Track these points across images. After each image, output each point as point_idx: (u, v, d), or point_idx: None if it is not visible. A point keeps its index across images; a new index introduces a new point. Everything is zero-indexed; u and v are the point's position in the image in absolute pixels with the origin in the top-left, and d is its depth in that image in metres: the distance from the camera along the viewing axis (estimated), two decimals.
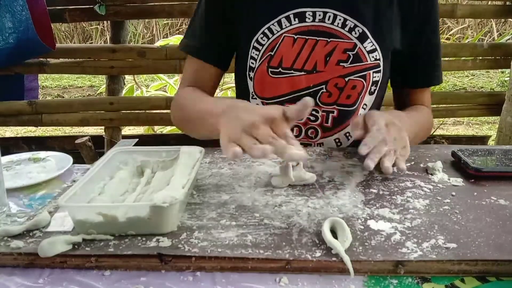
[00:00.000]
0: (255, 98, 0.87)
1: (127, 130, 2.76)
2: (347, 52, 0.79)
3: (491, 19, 4.60)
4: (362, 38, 0.79)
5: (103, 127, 1.96)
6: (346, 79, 0.81)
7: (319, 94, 0.82)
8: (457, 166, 0.69)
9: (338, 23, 0.79)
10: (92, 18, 1.84)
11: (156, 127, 2.41)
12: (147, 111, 1.92)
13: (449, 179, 0.64)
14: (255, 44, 0.82)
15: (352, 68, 0.80)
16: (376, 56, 0.80)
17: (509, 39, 3.36)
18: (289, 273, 0.44)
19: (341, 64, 0.80)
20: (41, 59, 1.83)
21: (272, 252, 0.45)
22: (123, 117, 1.91)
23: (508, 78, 1.86)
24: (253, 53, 0.83)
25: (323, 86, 0.81)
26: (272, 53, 0.81)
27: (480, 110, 1.92)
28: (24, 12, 1.56)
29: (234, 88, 1.01)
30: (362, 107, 0.85)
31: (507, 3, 1.82)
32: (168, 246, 0.46)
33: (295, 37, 0.80)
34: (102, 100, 1.98)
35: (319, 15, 0.79)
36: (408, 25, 0.83)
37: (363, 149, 0.62)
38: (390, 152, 0.64)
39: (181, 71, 1.88)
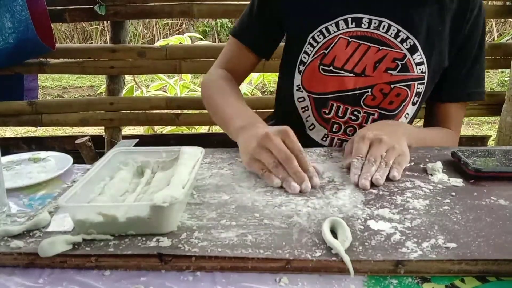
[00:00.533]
0: (301, 91, 0.89)
1: (127, 130, 2.76)
2: (396, 61, 0.82)
3: (491, 19, 4.60)
4: (412, 50, 0.82)
5: (103, 127, 1.96)
6: (392, 86, 0.83)
7: (364, 97, 0.85)
8: (457, 166, 0.69)
9: (391, 33, 0.82)
10: (92, 18, 1.84)
11: (156, 127, 2.41)
12: (147, 111, 1.92)
13: (449, 180, 0.64)
14: (311, 41, 0.85)
15: (399, 76, 0.83)
16: (422, 69, 0.83)
17: (509, 39, 3.36)
18: (289, 273, 0.44)
19: (389, 71, 0.83)
20: (41, 59, 1.83)
21: (272, 252, 0.45)
22: (123, 117, 1.91)
23: (508, 78, 1.86)
24: (308, 48, 0.86)
25: (369, 90, 0.84)
26: (326, 52, 0.84)
27: (480, 110, 1.92)
28: (23, 12, 1.56)
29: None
30: (405, 116, 0.88)
31: (507, 3, 1.82)
32: (168, 246, 0.46)
33: (350, 40, 0.83)
34: (102, 100, 1.97)
35: (375, 23, 0.82)
36: (455, 43, 0.85)
37: (352, 179, 0.62)
38: (381, 165, 0.64)
39: (181, 71, 1.88)
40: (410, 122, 0.92)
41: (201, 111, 1.89)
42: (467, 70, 0.88)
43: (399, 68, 0.83)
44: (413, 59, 0.82)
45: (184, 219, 0.52)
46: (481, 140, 2.03)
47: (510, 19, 4.56)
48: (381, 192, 0.60)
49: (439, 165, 0.67)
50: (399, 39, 0.82)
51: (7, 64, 1.75)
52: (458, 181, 0.63)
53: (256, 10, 0.92)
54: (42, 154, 0.80)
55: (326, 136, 0.91)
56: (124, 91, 2.05)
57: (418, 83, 0.84)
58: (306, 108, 0.90)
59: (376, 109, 0.86)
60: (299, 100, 0.90)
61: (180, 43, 2.46)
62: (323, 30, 0.84)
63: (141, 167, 0.65)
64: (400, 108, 0.86)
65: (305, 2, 0.86)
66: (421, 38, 0.82)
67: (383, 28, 0.82)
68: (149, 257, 0.45)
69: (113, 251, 0.46)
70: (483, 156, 0.71)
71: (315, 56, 0.85)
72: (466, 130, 3.39)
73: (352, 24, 0.82)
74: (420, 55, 0.82)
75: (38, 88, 2.01)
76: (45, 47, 1.67)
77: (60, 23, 4.65)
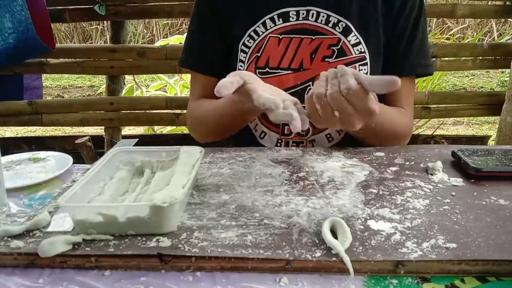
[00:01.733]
0: None
1: (127, 130, 2.76)
2: (332, 48, 0.81)
3: (491, 19, 4.60)
4: (346, 32, 0.80)
5: (103, 127, 1.96)
6: None
7: (306, 91, 0.83)
8: (457, 166, 0.69)
9: (321, 20, 0.80)
10: (92, 18, 1.84)
11: (156, 127, 2.41)
12: (147, 111, 1.92)
13: (449, 179, 0.64)
14: (242, 47, 0.84)
15: (337, 63, 0.81)
16: (360, 49, 0.81)
17: (509, 39, 3.36)
18: (289, 273, 0.44)
19: (326, 60, 0.81)
20: (41, 59, 1.83)
21: (272, 252, 0.45)
22: (123, 117, 1.91)
23: (508, 78, 1.86)
24: (241, 56, 0.85)
25: (310, 83, 0.83)
26: (259, 54, 0.83)
27: (480, 110, 1.92)
28: (23, 12, 1.56)
29: None
30: None
31: (507, 3, 1.82)
32: (168, 246, 0.46)
33: (280, 37, 0.81)
34: (102, 100, 1.97)
35: (303, 14, 0.80)
36: (390, 17, 0.83)
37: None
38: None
39: (181, 71, 1.89)
40: None
41: None
42: (407, 42, 0.84)
43: (335, 54, 0.80)
44: (349, 41, 0.80)
45: (184, 219, 0.52)
46: (481, 140, 2.03)
47: (510, 19, 4.55)
48: (381, 192, 0.60)
49: (439, 164, 0.67)
50: (330, 24, 0.80)
51: (7, 64, 1.75)
52: (458, 181, 0.63)
53: (200, 31, 0.89)
54: (42, 154, 0.80)
55: (280, 141, 0.88)
56: (124, 91, 2.05)
57: (360, 65, 0.81)
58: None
59: None
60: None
61: (180, 43, 2.46)
62: (252, 33, 0.82)
63: (141, 167, 0.65)
64: None
65: (234, 12, 0.84)
66: (353, 18, 0.80)
67: (312, 17, 0.80)
68: (149, 257, 0.45)
69: (113, 251, 0.46)
70: (483, 155, 0.71)
71: (249, 62, 0.84)
72: (466, 130, 3.39)
73: (279, 20, 0.81)
74: (355, 35, 0.80)
75: (42, 87, 2.01)
76: (45, 47, 1.67)
77: (60, 23, 4.65)
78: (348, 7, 0.80)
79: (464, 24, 5.02)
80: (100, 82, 4.38)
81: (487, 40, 4.44)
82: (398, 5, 0.83)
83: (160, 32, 5.43)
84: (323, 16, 0.80)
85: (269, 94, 0.61)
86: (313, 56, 0.81)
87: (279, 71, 0.82)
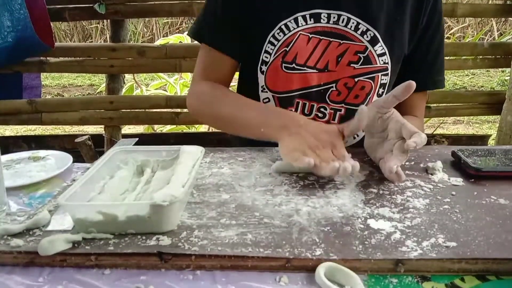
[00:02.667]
0: (266, 92, 0.88)
1: (127, 129, 2.76)
2: (358, 54, 0.82)
3: (492, 18, 4.59)
4: (373, 41, 0.81)
5: (103, 126, 1.96)
6: (356, 79, 0.83)
7: (328, 92, 0.84)
8: (457, 166, 0.69)
9: (351, 26, 0.81)
10: (92, 17, 1.84)
11: (156, 126, 2.41)
12: (147, 110, 1.92)
13: (449, 179, 0.64)
14: (271, 39, 0.84)
15: (362, 69, 0.82)
16: (385, 59, 0.83)
17: (509, 38, 3.36)
18: (289, 271, 0.44)
19: (351, 65, 0.82)
20: (41, 58, 1.83)
21: (272, 251, 0.45)
22: (123, 116, 1.91)
23: (508, 77, 1.86)
24: (268, 47, 0.84)
25: (333, 85, 0.84)
26: (287, 49, 0.83)
27: (481, 109, 1.92)
28: (22, 10, 1.56)
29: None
30: None
31: (508, 2, 1.82)
32: (168, 244, 0.46)
33: (310, 36, 0.82)
34: (102, 99, 1.97)
35: (334, 17, 0.81)
36: (414, 33, 0.85)
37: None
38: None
39: (181, 69, 1.88)
40: None
41: None
42: (432, 58, 0.87)
43: (361, 61, 0.82)
44: (375, 51, 0.82)
45: (184, 218, 0.52)
46: (482, 139, 2.03)
47: (510, 18, 4.55)
48: (381, 191, 0.60)
49: (439, 164, 0.67)
50: (359, 32, 0.81)
51: (6, 63, 1.75)
52: (458, 181, 0.63)
53: (221, 12, 0.85)
54: (42, 153, 0.80)
55: None
56: (124, 90, 2.05)
57: (382, 74, 0.84)
58: None
59: (342, 105, 0.85)
60: (264, 101, 0.89)
61: (180, 41, 2.46)
62: (283, 27, 0.82)
63: (141, 166, 0.65)
64: (366, 102, 0.85)
65: (265, 2, 0.83)
66: (380, 29, 0.81)
67: (342, 22, 0.81)
68: (149, 256, 0.45)
69: (113, 249, 0.46)
70: (483, 155, 0.71)
71: (277, 54, 0.84)
72: (466, 129, 3.38)
73: (310, 20, 0.81)
74: (381, 46, 0.82)
75: (41, 86, 2.01)
76: (44, 45, 1.67)
77: (60, 22, 4.64)
78: (377, 18, 0.81)
79: (464, 23, 5.01)
80: (100, 81, 4.37)
81: (487, 39, 4.44)
82: (425, 20, 0.84)
83: (160, 31, 5.42)
84: (353, 23, 0.81)
85: (312, 141, 0.65)
86: (339, 59, 0.82)
87: (305, 68, 0.83)
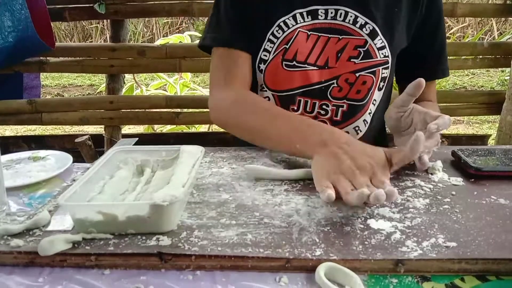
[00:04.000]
0: (265, 90, 0.87)
1: (127, 129, 2.76)
2: (358, 49, 0.81)
3: (492, 18, 4.59)
4: (373, 35, 0.81)
5: (103, 126, 1.96)
6: (357, 74, 0.82)
7: (330, 89, 0.84)
8: (457, 165, 0.69)
9: (349, 20, 0.80)
10: (92, 17, 1.84)
11: (156, 126, 2.41)
12: (147, 110, 1.92)
13: (449, 179, 0.64)
14: (270, 37, 0.83)
15: (362, 64, 0.82)
16: (385, 53, 0.82)
17: (509, 38, 3.36)
18: (289, 272, 0.44)
19: (352, 60, 0.82)
20: (41, 58, 1.83)
21: (272, 251, 0.45)
22: (123, 116, 1.91)
23: (508, 77, 1.85)
24: (267, 45, 0.84)
25: (334, 81, 0.83)
26: (287, 46, 0.82)
27: (480, 109, 1.92)
28: (23, 10, 1.56)
29: None
30: (372, 103, 0.87)
31: (508, 2, 1.82)
32: (168, 245, 0.46)
33: (309, 33, 0.81)
34: (102, 99, 1.97)
35: (331, 13, 0.80)
36: (413, 23, 0.85)
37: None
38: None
39: (181, 69, 1.88)
40: (380, 108, 0.89)
41: (201, 110, 1.89)
42: (439, 46, 0.89)
43: (361, 56, 0.81)
44: (375, 44, 0.81)
45: (184, 218, 0.52)
46: (481, 139, 2.03)
47: (510, 18, 4.55)
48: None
49: (439, 164, 0.67)
50: (358, 25, 0.80)
51: (7, 63, 1.75)
52: (458, 180, 0.63)
53: (231, 12, 0.84)
54: (42, 153, 0.80)
55: None
56: (124, 90, 2.05)
57: (383, 68, 0.83)
58: None
59: (344, 101, 0.84)
60: None
61: (180, 41, 2.46)
62: (281, 24, 0.82)
63: (141, 166, 0.65)
64: (368, 96, 0.85)
65: (263, 0, 0.82)
66: (379, 21, 0.81)
67: (340, 17, 0.80)
68: (149, 256, 0.45)
69: (113, 250, 0.46)
70: (483, 155, 0.71)
71: (276, 52, 0.83)
72: (466, 129, 3.38)
73: (308, 17, 0.81)
74: (381, 39, 0.81)
75: (40, 86, 2.01)
76: (45, 45, 1.67)
77: (60, 22, 4.64)
78: (375, 11, 0.81)
79: (464, 23, 5.01)
80: (100, 81, 4.37)
81: (487, 39, 4.44)
82: (425, 8, 0.84)
83: (160, 31, 5.42)
84: (351, 16, 0.80)
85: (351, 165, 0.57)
86: (339, 55, 0.82)
87: (306, 66, 0.82)
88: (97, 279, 0.44)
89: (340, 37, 0.81)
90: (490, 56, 1.85)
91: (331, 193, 0.52)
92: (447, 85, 4.11)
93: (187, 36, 2.56)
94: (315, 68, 0.82)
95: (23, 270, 0.46)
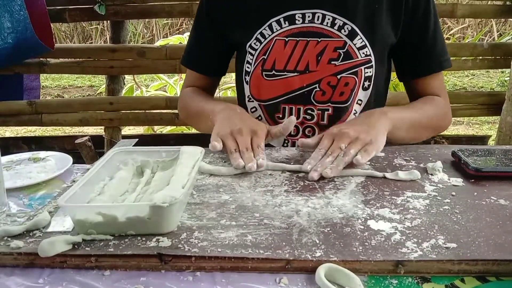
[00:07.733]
0: (252, 101, 0.89)
1: (127, 130, 2.76)
2: (338, 51, 0.82)
3: (491, 19, 4.59)
4: (352, 35, 0.81)
5: (103, 127, 1.96)
6: (338, 76, 0.83)
7: (313, 93, 0.84)
8: (457, 166, 0.69)
9: (327, 23, 0.81)
10: (92, 18, 1.84)
11: (156, 127, 2.41)
12: (147, 111, 1.92)
13: (449, 179, 0.64)
14: (249, 49, 0.86)
15: (343, 65, 0.82)
16: (366, 52, 0.82)
17: (509, 39, 3.36)
18: (289, 273, 0.44)
19: (332, 62, 0.82)
20: (41, 59, 1.83)
21: (272, 252, 0.45)
22: (123, 117, 1.91)
23: (508, 78, 1.86)
24: (248, 57, 0.86)
25: (316, 85, 0.84)
26: (265, 57, 0.84)
27: (480, 110, 1.92)
28: (22, 11, 1.56)
29: (234, 88, 1.07)
30: (357, 103, 0.86)
31: (507, 3, 1.82)
32: (168, 246, 0.46)
33: (286, 39, 0.82)
34: (102, 100, 1.98)
35: (308, 16, 0.81)
36: (399, 17, 0.83)
37: (304, 167, 0.66)
38: (338, 156, 0.66)
39: (181, 70, 1.88)
40: (371, 107, 0.88)
41: None
42: (431, 39, 0.86)
43: (341, 57, 0.81)
44: (354, 44, 0.81)
45: (184, 219, 0.52)
46: (481, 140, 2.03)
47: (510, 19, 4.55)
48: (381, 192, 0.60)
49: (439, 164, 0.67)
50: (336, 27, 0.81)
51: (7, 64, 1.75)
52: (458, 181, 0.63)
53: (198, 32, 0.94)
54: (42, 154, 0.80)
55: (286, 141, 0.90)
56: (124, 91, 2.05)
57: (365, 67, 0.83)
58: (260, 118, 0.89)
59: (329, 104, 0.84)
60: (252, 110, 0.90)
61: (180, 42, 2.46)
62: (259, 36, 0.84)
63: (141, 167, 0.65)
64: (352, 97, 0.84)
65: (236, 13, 0.86)
66: (358, 21, 0.81)
67: (318, 20, 0.81)
68: (149, 257, 0.45)
69: (113, 251, 0.46)
70: (483, 155, 0.71)
71: (256, 64, 0.85)
72: (466, 130, 3.38)
73: (285, 23, 0.82)
74: (361, 38, 0.81)
75: (40, 87, 2.01)
76: (44, 47, 1.67)
77: (60, 23, 4.64)
78: (353, 10, 0.81)
79: (464, 24, 5.01)
80: (100, 82, 4.37)
81: (487, 40, 4.44)
82: (411, 2, 0.83)
83: (160, 32, 5.42)
84: (328, 19, 0.80)
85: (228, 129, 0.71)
86: (319, 58, 0.82)
87: (285, 73, 0.83)
88: (97, 280, 0.44)
89: (319, 40, 0.81)
90: (490, 57, 1.85)
91: (216, 144, 0.68)
92: (447, 86, 4.11)
93: (187, 37, 2.56)
94: (296, 74, 0.83)
95: (23, 271, 0.46)
